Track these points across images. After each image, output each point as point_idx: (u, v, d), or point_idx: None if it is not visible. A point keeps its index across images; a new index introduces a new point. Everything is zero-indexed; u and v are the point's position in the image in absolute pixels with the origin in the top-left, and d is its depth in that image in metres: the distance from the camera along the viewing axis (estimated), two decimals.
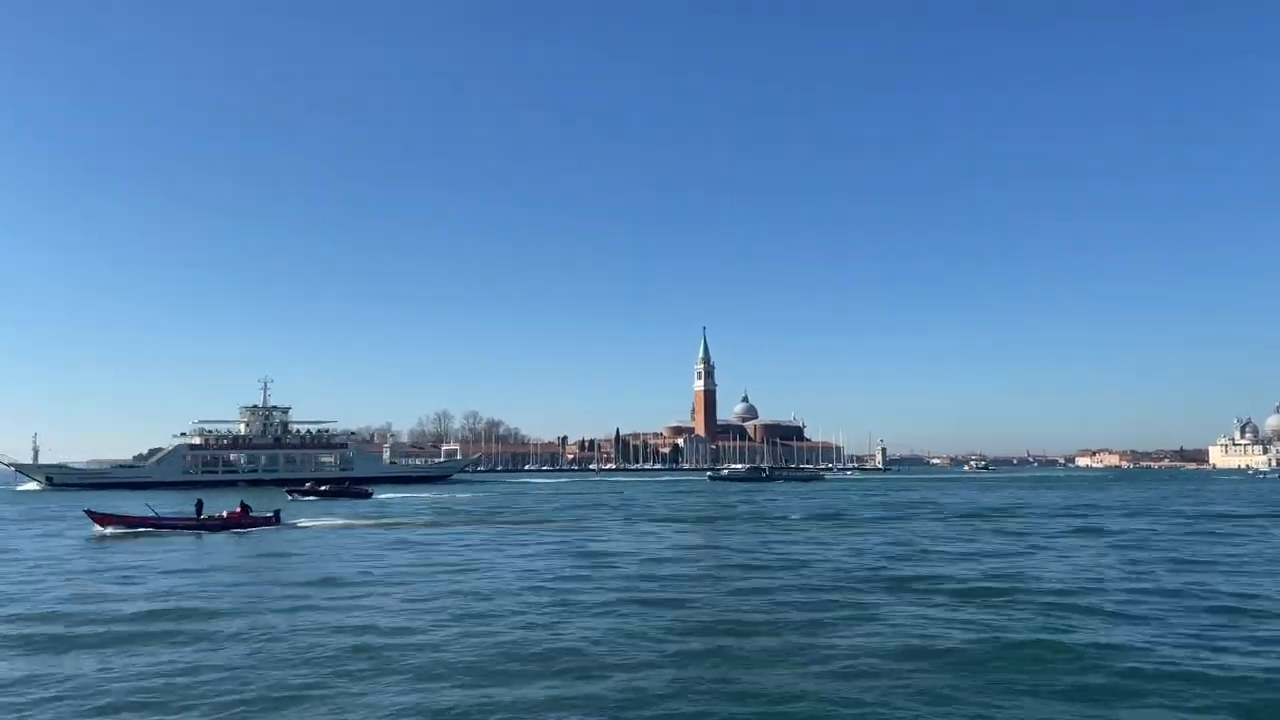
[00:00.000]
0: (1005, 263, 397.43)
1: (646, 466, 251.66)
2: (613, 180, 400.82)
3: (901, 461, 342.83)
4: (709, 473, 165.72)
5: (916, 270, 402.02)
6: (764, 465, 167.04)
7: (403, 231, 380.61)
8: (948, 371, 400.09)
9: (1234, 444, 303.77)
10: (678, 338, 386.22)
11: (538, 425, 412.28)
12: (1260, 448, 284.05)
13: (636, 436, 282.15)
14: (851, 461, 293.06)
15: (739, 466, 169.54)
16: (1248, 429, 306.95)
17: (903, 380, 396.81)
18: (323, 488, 73.27)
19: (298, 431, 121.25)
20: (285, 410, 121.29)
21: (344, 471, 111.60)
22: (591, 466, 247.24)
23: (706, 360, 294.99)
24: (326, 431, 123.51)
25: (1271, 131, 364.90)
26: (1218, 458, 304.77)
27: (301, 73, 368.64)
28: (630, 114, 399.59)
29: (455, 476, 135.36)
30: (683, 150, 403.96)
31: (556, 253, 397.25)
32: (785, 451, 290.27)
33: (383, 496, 72.14)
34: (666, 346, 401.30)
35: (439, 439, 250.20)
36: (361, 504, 62.05)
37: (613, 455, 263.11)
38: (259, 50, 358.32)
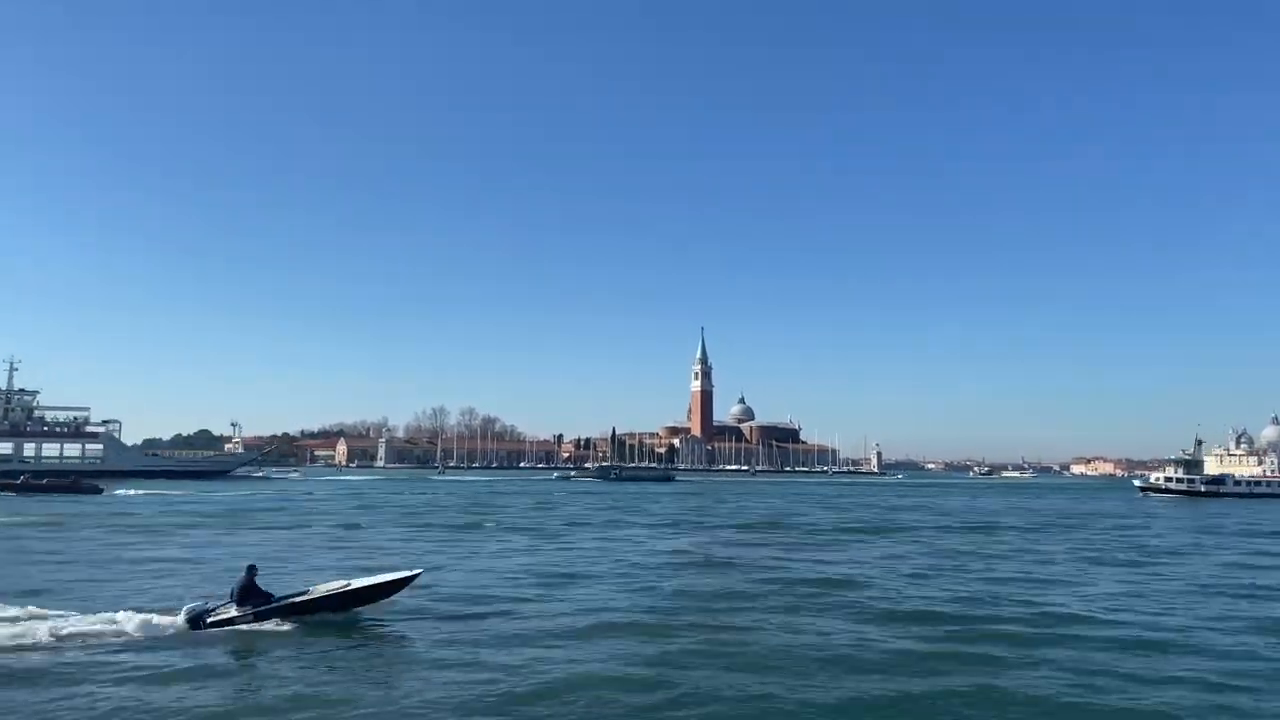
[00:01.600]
0: (1001, 262, 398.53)
1: (644, 465, 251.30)
2: (610, 177, 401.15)
3: (897, 466, 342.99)
4: (557, 473, 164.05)
5: (914, 269, 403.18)
6: (616, 466, 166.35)
7: (402, 228, 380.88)
8: (944, 377, 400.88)
9: (1229, 454, 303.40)
10: (677, 334, 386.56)
11: (536, 424, 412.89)
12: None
13: (633, 436, 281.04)
14: (847, 464, 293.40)
15: (590, 467, 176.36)
16: (1243, 439, 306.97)
17: (899, 385, 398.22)
18: (43, 481, 66.19)
19: (42, 419, 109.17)
20: (32, 394, 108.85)
21: (97, 465, 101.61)
22: (587, 465, 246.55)
23: (704, 361, 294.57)
24: (79, 419, 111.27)
25: (1272, 130, 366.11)
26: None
27: (302, 72, 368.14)
28: (627, 110, 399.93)
29: (237, 472, 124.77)
30: (680, 146, 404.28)
31: (557, 250, 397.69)
32: (781, 454, 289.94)
33: (127, 494, 64.29)
34: (666, 345, 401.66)
35: (434, 435, 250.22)
36: (59, 501, 55.08)
37: (609, 455, 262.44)
38: (257, 49, 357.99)
